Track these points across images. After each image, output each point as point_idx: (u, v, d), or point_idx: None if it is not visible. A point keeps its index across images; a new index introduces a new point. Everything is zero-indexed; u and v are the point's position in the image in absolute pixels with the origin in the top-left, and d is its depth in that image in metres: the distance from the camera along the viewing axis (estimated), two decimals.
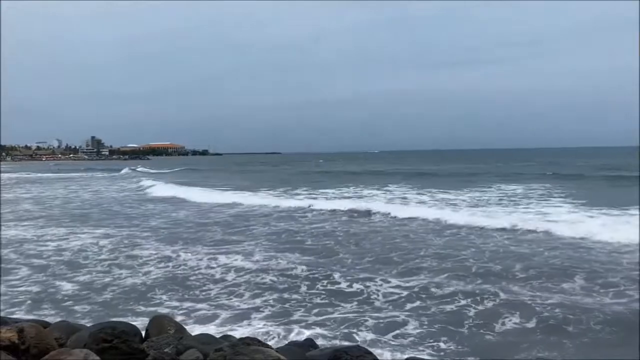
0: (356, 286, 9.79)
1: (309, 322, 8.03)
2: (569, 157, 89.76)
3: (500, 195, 27.14)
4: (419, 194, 29.16)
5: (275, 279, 10.61)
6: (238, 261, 12.27)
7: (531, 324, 7.69)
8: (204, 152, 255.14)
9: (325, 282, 10.19)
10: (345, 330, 7.62)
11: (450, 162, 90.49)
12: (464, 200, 25.04)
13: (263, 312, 8.60)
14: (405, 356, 6.66)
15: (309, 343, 6.57)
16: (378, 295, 9.24)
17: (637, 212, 17.48)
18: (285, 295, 9.40)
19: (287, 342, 6.84)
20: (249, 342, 5.48)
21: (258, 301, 9.13)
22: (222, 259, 12.54)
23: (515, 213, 19.39)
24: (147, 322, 6.74)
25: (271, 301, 9.07)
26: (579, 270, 10.74)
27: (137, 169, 76.66)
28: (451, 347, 6.93)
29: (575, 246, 13.46)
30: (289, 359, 5.18)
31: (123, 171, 69.12)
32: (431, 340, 7.23)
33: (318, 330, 7.63)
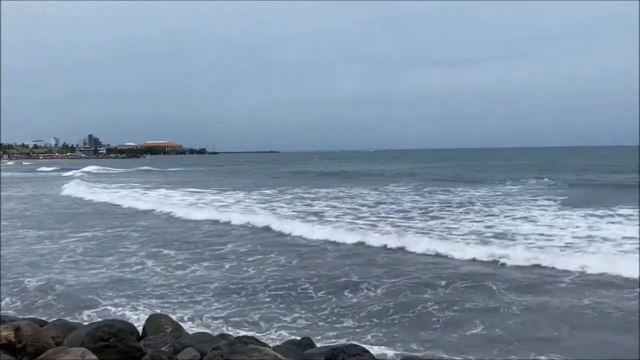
0: None
1: None
2: (566, 157, 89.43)
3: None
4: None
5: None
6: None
7: None
8: (202, 151, 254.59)
9: None
10: None
11: (441, 161, 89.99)
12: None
13: None
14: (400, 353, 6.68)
15: (307, 342, 6.58)
16: None
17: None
18: None
19: (284, 341, 6.85)
20: (247, 340, 5.48)
21: None
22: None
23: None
24: (144, 321, 6.75)
25: None
26: None
27: (86, 169, 70.83)
28: None
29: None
30: (287, 357, 5.18)
31: (70, 172, 62.94)
32: None
33: None
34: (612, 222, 16.66)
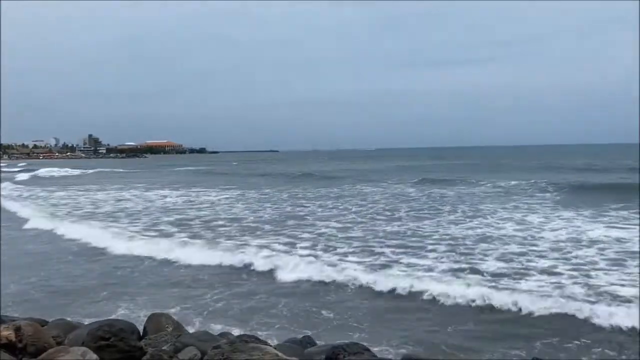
0: None
1: None
2: (562, 156, 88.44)
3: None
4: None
5: None
6: None
7: None
8: (202, 150, 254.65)
9: None
10: None
11: (438, 159, 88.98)
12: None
13: None
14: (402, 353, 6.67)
15: (307, 340, 6.58)
16: None
17: None
18: None
19: (285, 340, 6.84)
20: (247, 339, 5.47)
21: None
22: None
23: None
24: (145, 320, 6.75)
25: None
26: None
27: (37, 172, 68.24)
28: None
29: None
30: (288, 355, 5.17)
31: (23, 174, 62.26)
32: None
33: None
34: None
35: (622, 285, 9.44)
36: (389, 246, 13.48)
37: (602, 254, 11.89)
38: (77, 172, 68.04)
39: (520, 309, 8.48)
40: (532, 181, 31.84)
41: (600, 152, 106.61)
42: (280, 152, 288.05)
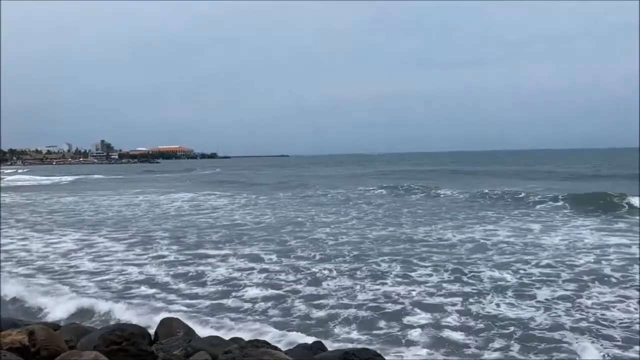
0: None
1: None
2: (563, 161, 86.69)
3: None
4: None
5: None
6: None
7: None
8: (213, 155, 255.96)
9: None
10: None
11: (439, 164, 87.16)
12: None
13: None
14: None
15: (318, 346, 6.55)
16: None
17: None
18: None
19: (295, 345, 6.83)
20: (258, 344, 5.47)
21: None
22: None
23: None
24: (157, 325, 6.77)
25: None
26: None
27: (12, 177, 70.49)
28: None
29: None
30: None
31: None
32: None
33: None
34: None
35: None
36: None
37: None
38: (48, 181, 65.85)
39: None
40: (538, 188, 31.26)
41: (608, 156, 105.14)
42: (290, 156, 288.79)
